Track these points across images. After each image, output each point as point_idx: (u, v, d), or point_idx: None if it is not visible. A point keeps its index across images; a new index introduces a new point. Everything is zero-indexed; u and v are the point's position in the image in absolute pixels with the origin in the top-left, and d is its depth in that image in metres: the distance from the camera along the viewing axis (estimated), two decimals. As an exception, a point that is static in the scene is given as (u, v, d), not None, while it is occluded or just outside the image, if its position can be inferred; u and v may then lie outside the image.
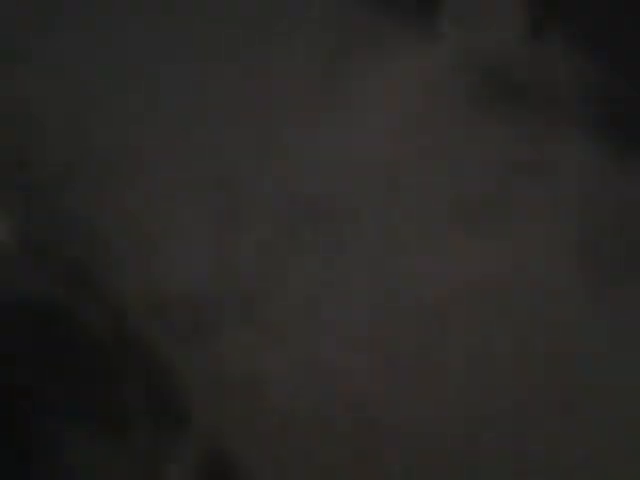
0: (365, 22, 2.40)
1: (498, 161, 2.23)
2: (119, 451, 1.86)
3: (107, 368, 1.94)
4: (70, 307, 1.98)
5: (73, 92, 2.36)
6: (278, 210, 2.18)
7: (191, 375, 1.96)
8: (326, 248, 2.13)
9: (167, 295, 2.07)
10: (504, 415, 1.93)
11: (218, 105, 2.33)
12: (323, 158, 2.26)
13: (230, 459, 1.88)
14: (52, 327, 1.97)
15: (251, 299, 2.06)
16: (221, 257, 2.11)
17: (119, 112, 2.33)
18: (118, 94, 2.36)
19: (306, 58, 2.37)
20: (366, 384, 1.94)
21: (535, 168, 2.21)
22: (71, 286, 2.01)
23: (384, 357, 1.99)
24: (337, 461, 1.87)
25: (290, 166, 2.24)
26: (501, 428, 1.91)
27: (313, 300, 2.06)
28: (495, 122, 2.27)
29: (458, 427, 1.91)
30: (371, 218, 2.16)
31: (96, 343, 1.96)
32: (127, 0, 2.45)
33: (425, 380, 1.95)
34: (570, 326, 2.02)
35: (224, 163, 2.24)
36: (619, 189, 2.17)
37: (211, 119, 2.31)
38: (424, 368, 1.98)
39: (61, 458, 1.84)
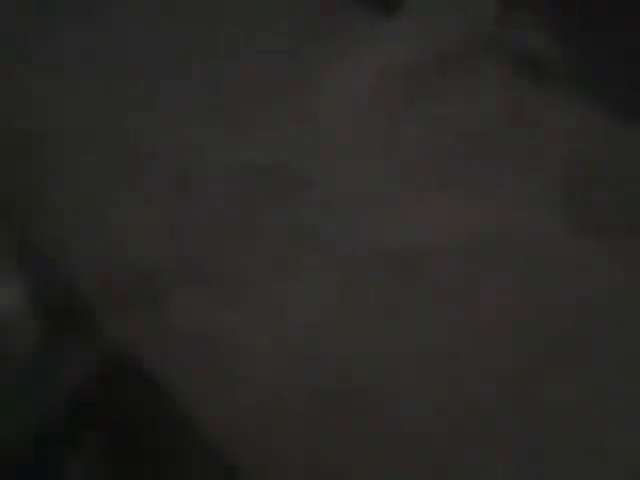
0: (333, 9, 2.40)
1: (477, 115, 2.24)
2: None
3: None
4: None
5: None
6: (238, 177, 2.18)
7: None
8: (292, 210, 2.12)
9: (119, 260, 2.06)
10: (491, 372, 1.90)
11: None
12: (288, 131, 2.25)
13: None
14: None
15: (204, 264, 2.06)
16: (175, 224, 2.12)
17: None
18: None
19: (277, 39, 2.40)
20: (332, 341, 1.93)
21: (517, 121, 2.21)
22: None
23: (354, 314, 1.97)
24: (297, 416, 1.86)
25: (257, 137, 2.24)
26: (489, 389, 1.88)
27: (279, 259, 2.05)
28: (469, 82, 2.30)
29: (430, 380, 1.89)
30: (340, 180, 2.17)
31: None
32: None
33: (402, 331, 1.94)
34: (556, 278, 1.99)
35: (181, 133, 2.25)
36: (606, 141, 2.17)
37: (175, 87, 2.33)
38: (399, 322, 1.96)
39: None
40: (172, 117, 2.30)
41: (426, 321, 1.95)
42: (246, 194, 2.15)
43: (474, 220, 2.07)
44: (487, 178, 2.14)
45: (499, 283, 1.99)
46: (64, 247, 2.07)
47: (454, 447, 1.83)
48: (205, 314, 1.99)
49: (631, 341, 1.92)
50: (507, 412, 1.85)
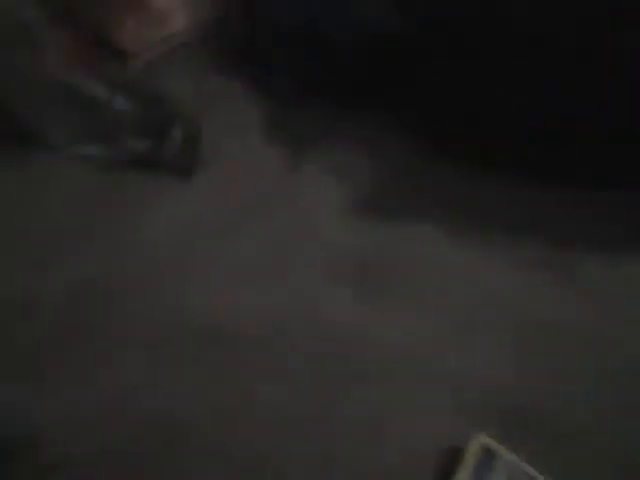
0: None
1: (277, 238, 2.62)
2: None
3: None
4: None
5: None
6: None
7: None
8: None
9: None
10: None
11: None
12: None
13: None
14: None
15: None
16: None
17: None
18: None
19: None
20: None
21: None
22: None
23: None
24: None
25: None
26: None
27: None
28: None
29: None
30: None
31: None
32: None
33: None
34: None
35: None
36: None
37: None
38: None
39: None
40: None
41: (237, 380, 2.26)
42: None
43: (271, 300, 2.42)
44: (283, 273, 2.50)
45: (298, 350, 2.32)
46: None
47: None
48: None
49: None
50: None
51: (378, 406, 2.25)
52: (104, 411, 2.18)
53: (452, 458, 2.13)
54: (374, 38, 2.82)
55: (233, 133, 2.86)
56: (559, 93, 2.71)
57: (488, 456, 2.11)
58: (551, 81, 2.73)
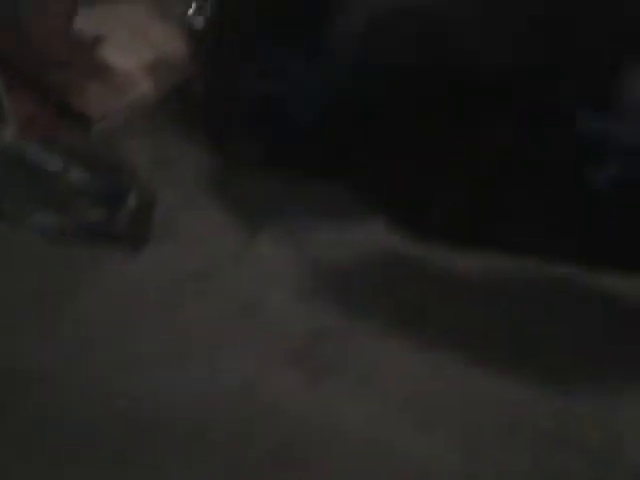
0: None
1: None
2: None
3: None
4: None
5: None
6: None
7: None
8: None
9: None
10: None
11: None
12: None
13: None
14: None
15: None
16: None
17: None
18: None
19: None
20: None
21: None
22: None
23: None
24: None
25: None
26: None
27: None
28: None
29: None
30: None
31: None
32: None
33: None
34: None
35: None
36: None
37: None
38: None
39: None
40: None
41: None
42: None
43: (212, 381, 2.35)
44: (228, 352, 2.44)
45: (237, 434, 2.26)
46: None
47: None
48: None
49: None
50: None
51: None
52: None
53: None
54: (330, 105, 2.76)
55: (190, 200, 2.81)
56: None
57: None
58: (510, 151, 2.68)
